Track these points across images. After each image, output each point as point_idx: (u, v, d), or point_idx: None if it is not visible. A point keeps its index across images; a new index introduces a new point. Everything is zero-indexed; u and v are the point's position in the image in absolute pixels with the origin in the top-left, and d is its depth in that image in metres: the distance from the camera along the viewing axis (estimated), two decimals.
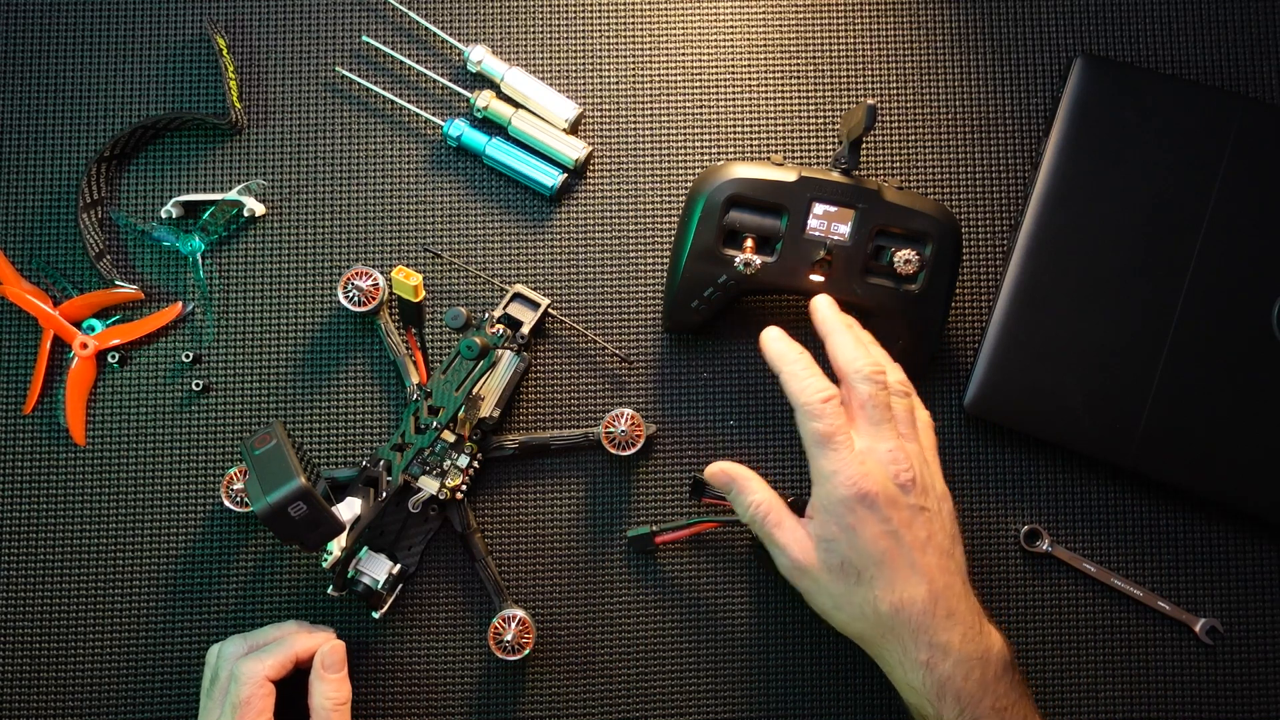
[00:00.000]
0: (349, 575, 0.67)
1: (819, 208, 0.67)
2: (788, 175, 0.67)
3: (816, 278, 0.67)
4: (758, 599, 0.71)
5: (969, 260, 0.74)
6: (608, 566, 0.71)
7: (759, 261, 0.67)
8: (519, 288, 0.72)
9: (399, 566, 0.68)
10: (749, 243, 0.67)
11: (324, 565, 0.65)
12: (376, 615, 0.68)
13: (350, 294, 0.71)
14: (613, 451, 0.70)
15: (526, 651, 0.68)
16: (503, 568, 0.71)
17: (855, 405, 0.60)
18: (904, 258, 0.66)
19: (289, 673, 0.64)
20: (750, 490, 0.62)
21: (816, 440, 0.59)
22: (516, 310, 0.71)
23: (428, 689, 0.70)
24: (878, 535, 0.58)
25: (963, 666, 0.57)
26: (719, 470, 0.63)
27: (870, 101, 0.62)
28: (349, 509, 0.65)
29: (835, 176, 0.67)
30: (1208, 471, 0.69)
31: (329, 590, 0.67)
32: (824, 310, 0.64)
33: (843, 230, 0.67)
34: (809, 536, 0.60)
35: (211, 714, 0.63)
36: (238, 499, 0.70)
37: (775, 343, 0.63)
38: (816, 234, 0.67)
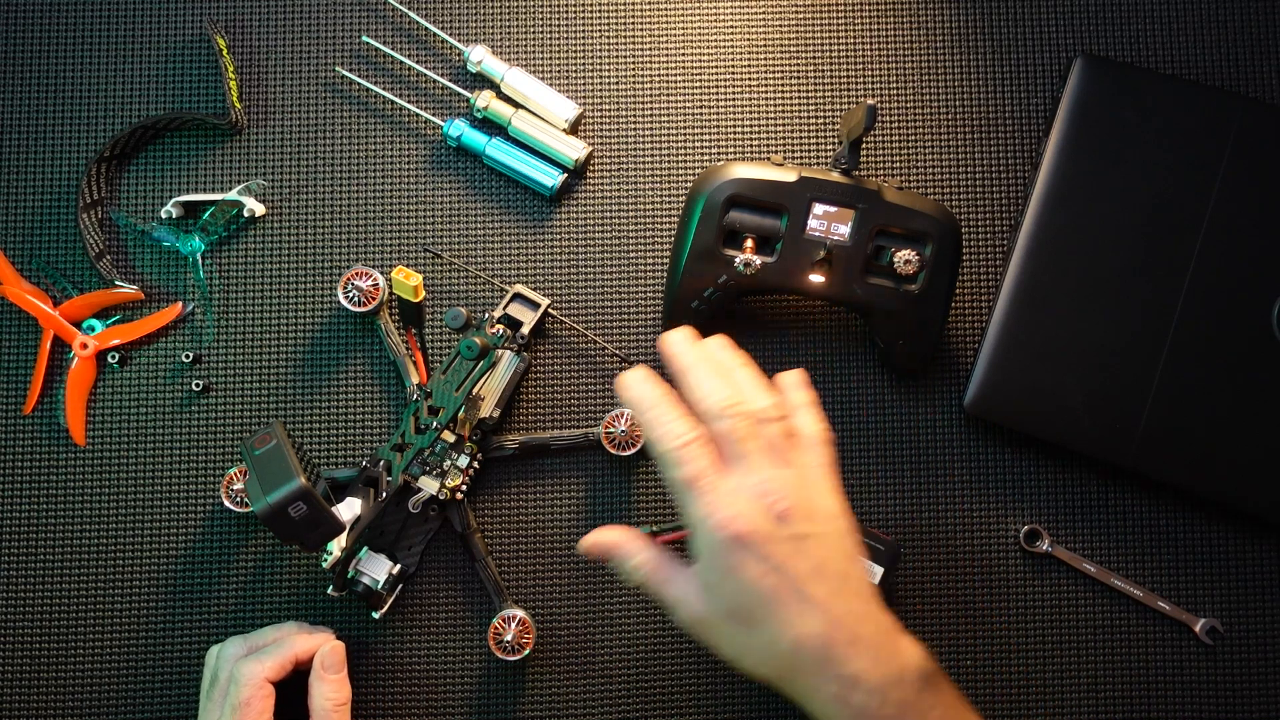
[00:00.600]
0: (349, 575, 0.67)
1: (819, 208, 0.67)
2: (788, 175, 0.67)
3: (816, 278, 0.67)
4: None
5: (969, 260, 0.74)
6: (608, 567, 0.71)
7: (759, 262, 0.67)
8: (519, 288, 0.72)
9: (399, 567, 0.68)
10: (749, 243, 0.67)
11: (324, 565, 0.65)
12: (376, 615, 0.68)
13: (350, 294, 0.71)
14: (613, 452, 0.70)
15: (526, 652, 0.68)
16: (503, 568, 0.71)
17: (718, 444, 0.56)
18: (904, 258, 0.66)
19: (289, 674, 0.64)
20: (629, 555, 0.58)
21: (681, 488, 0.55)
22: (516, 310, 0.71)
23: (428, 689, 0.70)
24: (760, 575, 0.54)
25: (877, 695, 0.54)
26: (592, 546, 0.59)
27: (870, 101, 0.62)
28: (349, 509, 0.65)
29: (835, 177, 0.67)
30: (1208, 471, 0.69)
31: (329, 590, 0.67)
32: (669, 349, 0.59)
33: (843, 230, 0.67)
34: (697, 588, 0.56)
35: (211, 715, 0.63)
36: (238, 499, 0.70)
37: (631, 389, 0.58)
38: (816, 234, 0.67)
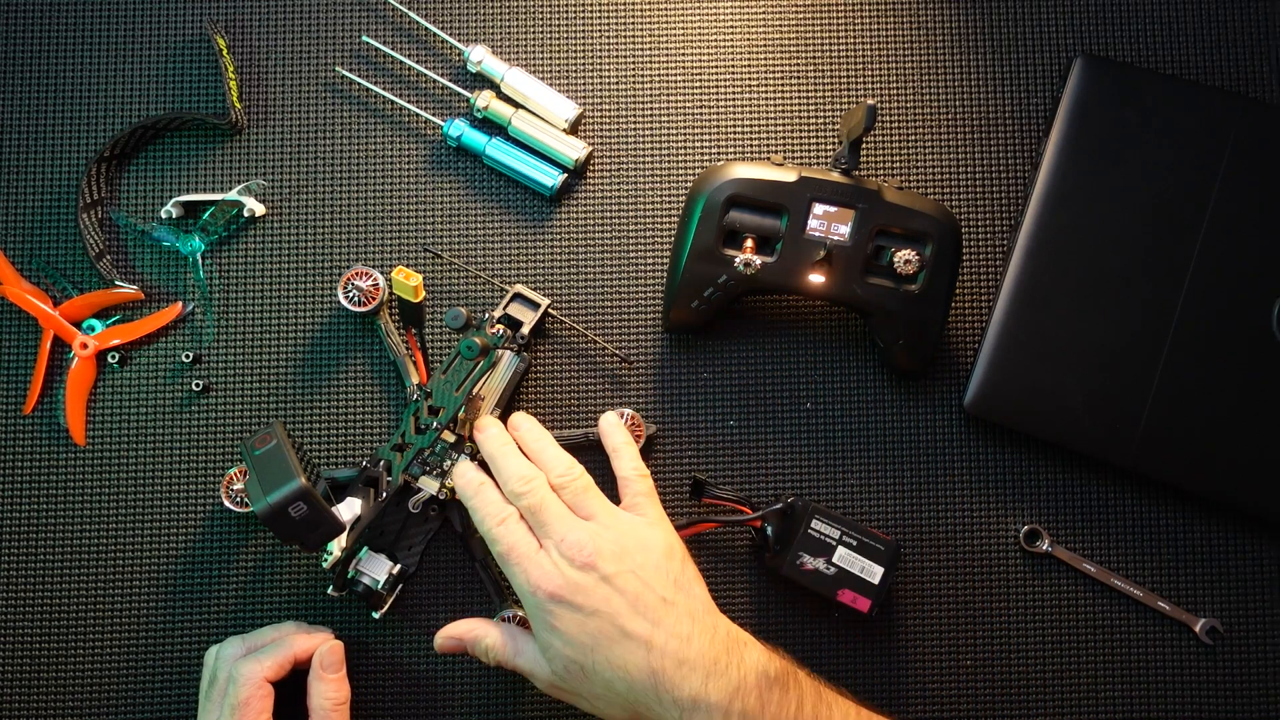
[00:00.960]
0: (349, 575, 0.67)
1: (819, 208, 0.67)
2: (788, 175, 0.67)
3: (816, 277, 0.67)
4: (757, 597, 0.71)
5: (969, 260, 0.74)
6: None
7: (759, 262, 0.67)
8: (519, 288, 0.72)
9: (399, 567, 0.68)
10: (749, 243, 0.67)
11: (324, 565, 0.65)
12: (376, 615, 0.68)
13: (350, 294, 0.71)
14: None
15: None
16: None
17: (526, 519, 0.63)
18: (904, 258, 0.66)
19: (287, 674, 0.64)
20: (479, 639, 0.64)
21: (502, 561, 0.61)
22: (516, 310, 0.71)
23: (427, 689, 0.70)
24: (580, 624, 0.58)
25: (718, 711, 0.56)
26: (444, 642, 0.65)
27: (870, 102, 0.62)
28: (349, 509, 0.65)
29: (835, 177, 0.67)
30: (1208, 471, 0.69)
31: (329, 590, 0.67)
32: (479, 439, 0.67)
33: (843, 230, 0.67)
34: (538, 654, 0.61)
35: (210, 715, 0.63)
36: (238, 499, 0.70)
37: (457, 479, 0.66)
38: (816, 234, 0.67)
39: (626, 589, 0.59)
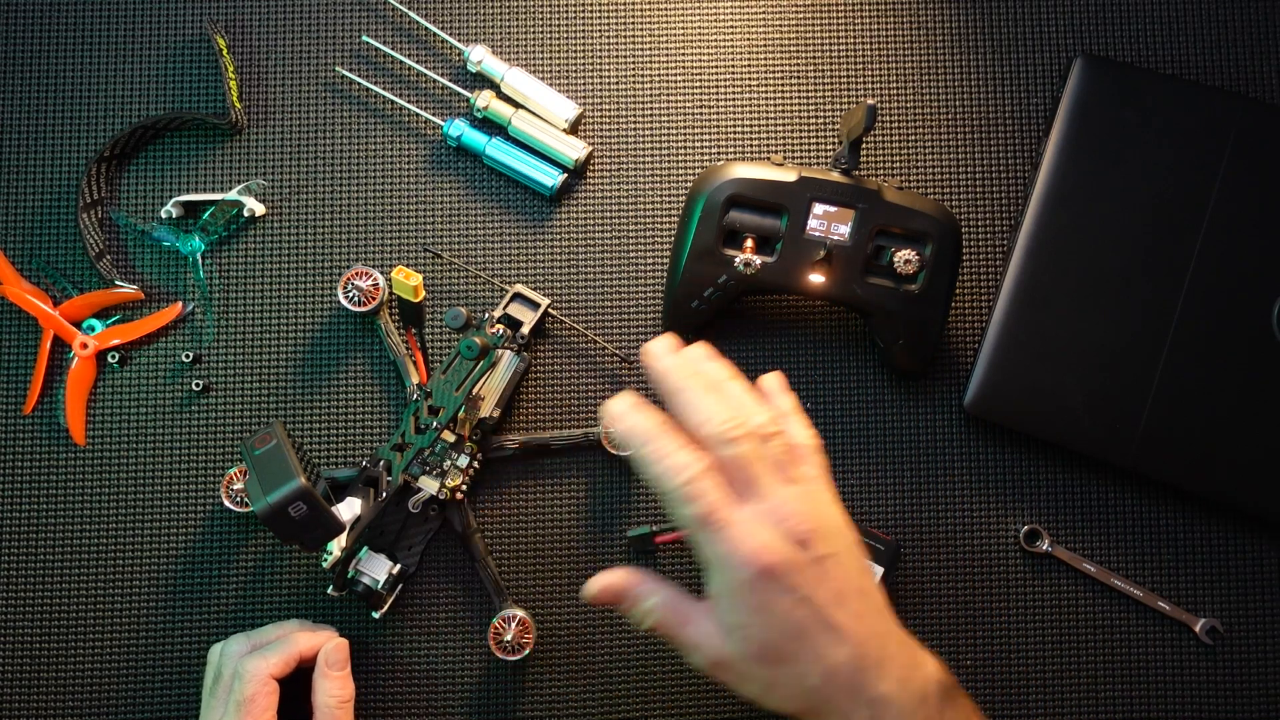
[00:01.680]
0: (349, 575, 0.67)
1: (819, 208, 0.67)
2: (788, 175, 0.67)
3: (816, 277, 0.67)
4: None
5: (969, 260, 0.74)
6: (608, 564, 0.71)
7: (759, 262, 0.67)
8: (519, 288, 0.72)
9: (399, 566, 0.68)
10: (749, 243, 0.67)
11: (324, 565, 0.65)
12: (376, 615, 0.68)
13: (350, 294, 0.71)
14: (613, 452, 0.70)
15: (527, 652, 0.68)
16: (503, 568, 0.71)
17: (725, 470, 0.52)
18: (904, 258, 0.66)
19: (292, 671, 0.64)
20: (642, 596, 0.55)
21: (696, 525, 0.51)
22: (516, 310, 0.71)
23: (428, 689, 0.70)
24: (790, 608, 0.51)
25: (905, 715, 0.52)
26: (600, 592, 0.56)
27: (870, 101, 0.62)
28: (349, 509, 0.65)
29: (835, 177, 0.67)
30: (1208, 471, 0.69)
31: (329, 590, 0.67)
32: (658, 368, 0.55)
33: (843, 230, 0.67)
34: (718, 629, 0.53)
35: (215, 712, 0.63)
36: (238, 499, 0.70)
37: (624, 421, 0.54)
38: (816, 234, 0.67)
39: (834, 576, 0.52)
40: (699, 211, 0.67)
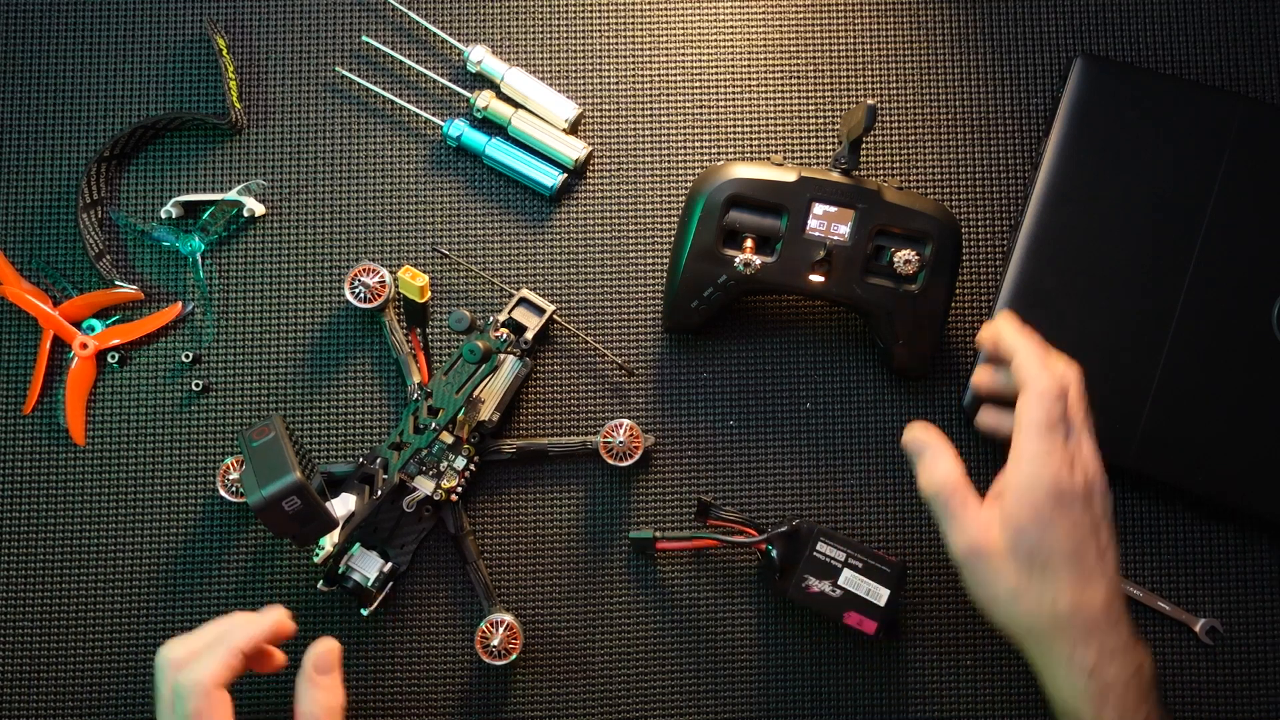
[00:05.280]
0: (340, 571, 0.67)
1: (819, 208, 0.67)
2: (787, 175, 0.67)
3: (816, 278, 0.67)
4: (761, 619, 0.71)
5: (969, 260, 0.74)
6: (602, 574, 0.71)
7: (759, 262, 0.67)
8: (525, 292, 0.72)
9: (390, 565, 0.68)
10: (749, 243, 0.67)
11: (315, 560, 0.65)
12: (365, 612, 0.68)
13: (356, 290, 0.71)
14: (610, 462, 0.70)
15: (513, 657, 0.68)
16: (495, 572, 0.71)
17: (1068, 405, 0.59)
18: (904, 258, 0.66)
19: (241, 672, 0.58)
20: (939, 462, 0.60)
21: (1037, 424, 0.57)
22: (521, 315, 0.71)
23: (413, 688, 0.70)
24: (1074, 529, 0.57)
25: (1124, 674, 0.56)
26: (909, 441, 0.61)
27: (870, 101, 0.62)
28: (343, 505, 0.65)
29: (835, 177, 0.67)
30: (1208, 471, 0.69)
31: (319, 585, 0.67)
32: (1011, 333, 0.62)
33: (842, 230, 0.67)
34: (996, 520, 0.57)
35: None
36: (233, 489, 0.70)
37: (1013, 331, 0.62)
38: (816, 234, 0.67)
39: (1107, 526, 0.59)
40: (699, 211, 0.67)
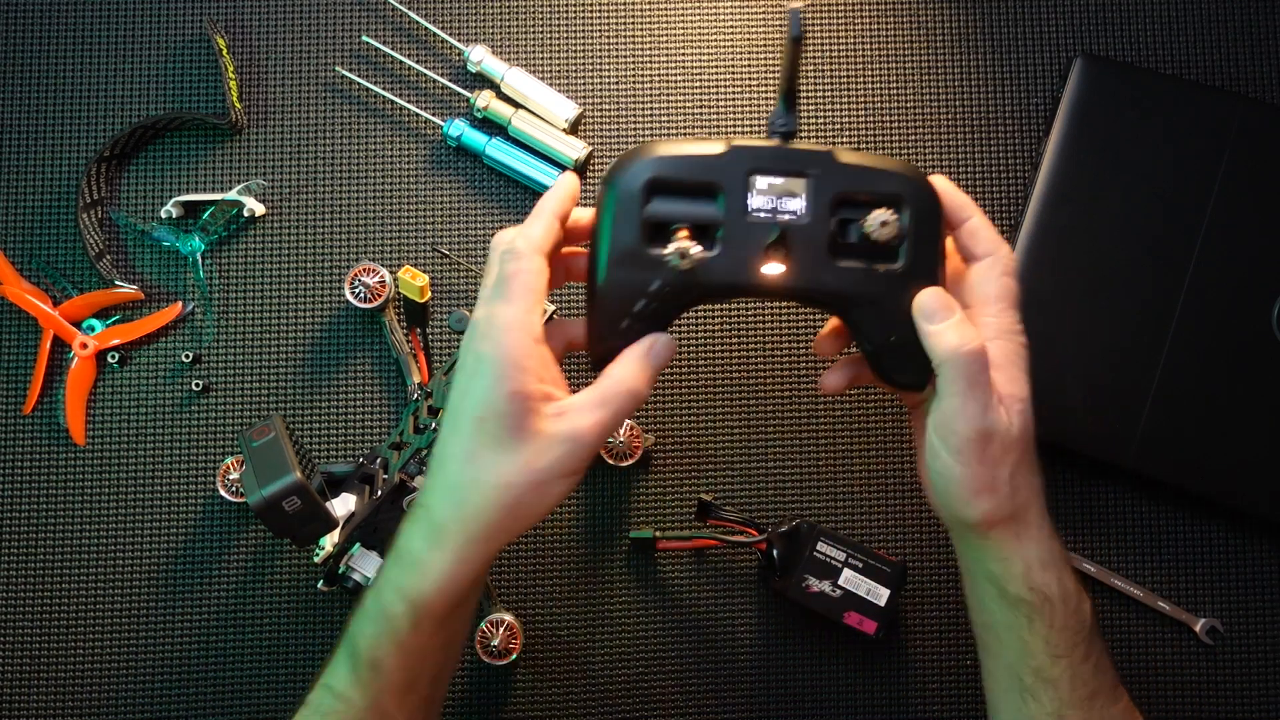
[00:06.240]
0: (340, 571, 0.67)
1: (761, 181, 0.53)
2: (713, 147, 0.53)
3: (773, 268, 0.53)
4: (761, 618, 0.71)
5: None
6: (602, 574, 0.71)
7: (698, 251, 0.52)
8: None
9: None
10: (683, 231, 0.53)
11: (315, 560, 0.65)
12: None
13: (356, 290, 0.71)
14: (610, 462, 0.70)
15: (513, 657, 0.68)
16: (496, 571, 0.71)
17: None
18: (878, 219, 0.52)
19: (561, 238, 0.53)
20: (967, 326, 0.52)
21: (1014, 295, 0.53)
22: None
23: None
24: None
25: (1076, 594, 0.55)
26: (933, 298, 0.53)
27: (795, 5, 0.51)
28: (343, 505, 0.65)
29: (774, 143, 0.54)
30: (1208, 471, 0.69)
31: (319, 585, 0.67)
32: (957, 193, 0.55)
33: (795, 206, 0.53)
34: (1010, 402, 0.52)
35: (478, 309, 0.52)
36: (233, 489, 0.70)
37: (955, 190, 0.55)
38: (763, 214, 0.53)
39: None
40: (612, 206, 0.53)
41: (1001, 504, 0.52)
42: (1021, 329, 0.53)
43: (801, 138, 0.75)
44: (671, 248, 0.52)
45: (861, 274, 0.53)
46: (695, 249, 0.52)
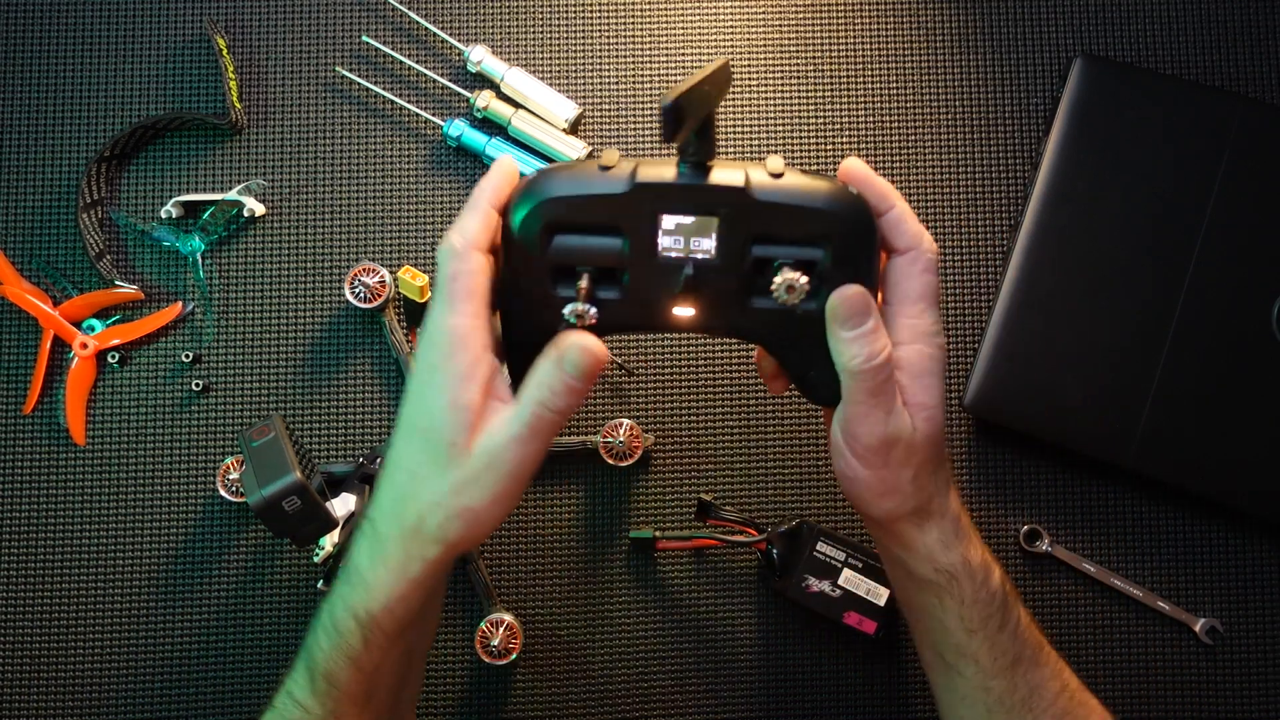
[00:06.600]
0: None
1: (669, 220, 0.48)
2: (614, 184, 0.48)
3: (683, 310, 0.50)
4: (762, 618, 0.71)
5: (969, 260, 0.74)
6: (602, 574, 0.71)
7: (594, 314, 0.49)
8: None
9: None
10: (583, 284, 0.49)
11: (315, 560, 0.65)
12: None
13: (356, 290, 0.71)
14: (610, 461, 0.70)
15: (513, 656, 0.68)
16: (495, 572, 0.71)
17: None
18: (784, 284, 0.48)
19: (499, 223, 0.50)
20: (882, 335, 0.49)
21: (934, 292, 0.50)
22: None
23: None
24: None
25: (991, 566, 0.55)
26: (852, 296, 0.49)
27: (724, 60, 0.48)
28: (343, 505, 0.65)
29: (678, 175, 0.48)
30: (1208, 471, 0.69)
31: (319, 584, 0.67)
32: (877, 179, 0.51)
33: (707, 245, 0.49)
34: (916, 409, 0.51)
35: (428, 316, 0.49)
36: (233, 489, 0.70)
37: (872, 177, 0.51)
38: (673, 254, 0.49)
39: None
40: (512, 247, 0.49)
41: (904, 502, 0.52)
42: (939, 329, 0.51)
43: (801, 137, 0.75)
44: (568, 309, 0.49)
45: (778, 315, 0.50)
46: (592, 312, 0.49)
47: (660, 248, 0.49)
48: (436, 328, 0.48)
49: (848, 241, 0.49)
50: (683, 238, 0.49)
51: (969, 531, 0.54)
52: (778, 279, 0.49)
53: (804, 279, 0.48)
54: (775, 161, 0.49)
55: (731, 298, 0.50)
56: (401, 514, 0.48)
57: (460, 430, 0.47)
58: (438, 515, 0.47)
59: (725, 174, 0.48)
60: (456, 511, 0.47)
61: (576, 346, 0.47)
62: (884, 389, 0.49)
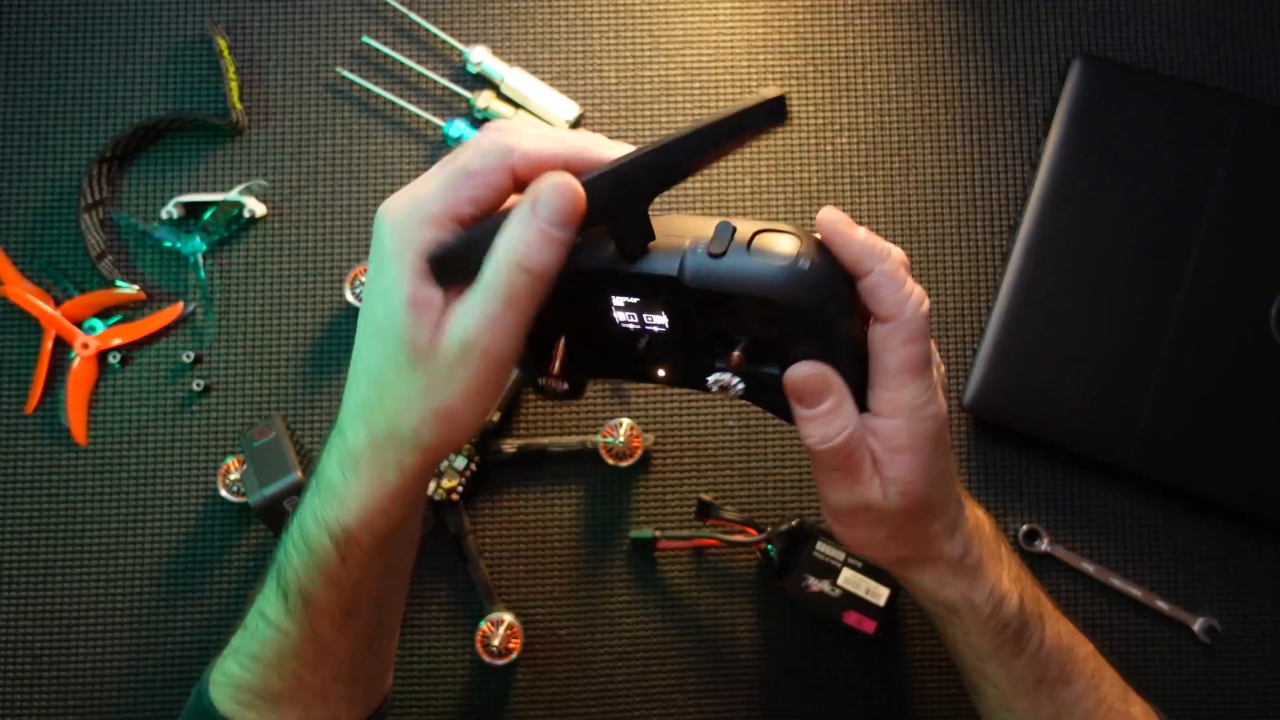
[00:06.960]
0: None
1: (618, 299, 0.47)
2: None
3: (656, 369, 0.50)
4: (761, 618, 0.71)
5: (969, 260, 0.74)
6: (602, 574, 0.71)
7: (565, 387, 0.51)
8: None
9: None
10: (558, 355, 0.49)
11: None
12: None
13: (357, 290, 0.71)
14: (610, 462, 0.70)
15: (514, 656, 0.68)
16: (495, 572, 0.71)
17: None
18: (716, 383, 0.48)
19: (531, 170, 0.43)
20: (845, 412, 0.46)
21: (919, 363, 0.45)
22: None
23: (414, 689, 0.70)
24: (946, 463, 0.49)
25: (984, 535, 0.53)
26: (808, 374, 0.45)
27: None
28: None
29: (615, 262, 0.45)
30: (1208, 471, 0.69)
31: None
32: (858, 235, 0.45)
33: (660, 320, 0.47)
34: (883, 482, 0.47)
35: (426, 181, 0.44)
36: (233, 489, 0.70)
37: (859, 231, 0.45)
38: (630, 325, 0.48)
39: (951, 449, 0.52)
40: None
41: (883, 554, 0.50)
42: (927, 400, 0.46)
43: (801, 137, 0.75)
44: (542, 382, 0.50)
45: (747, 377, 0.48)
46: (563, 386, 0.50)
47: (618, 322, 0.48)
48: (411, 197, 0.43)
49: (802, 321, 0.45)
50: (635, 314, 0.47)
51: (978, 565, 0.51)
52: (710, 379, 0.48)
53: (738, 383, 0.47)
54: (744, 227, 0.44)
55: (693, 362, 0.48)
56: (370, 421, 0.44)
57: (422, 328, 0.42)
58: (410, 420, 0.43)
59: (660, 260, 0.45)
60: (430, 414, 0.43)
61: (551, 185, 0.41)
62: (845, 465, 0.46)
